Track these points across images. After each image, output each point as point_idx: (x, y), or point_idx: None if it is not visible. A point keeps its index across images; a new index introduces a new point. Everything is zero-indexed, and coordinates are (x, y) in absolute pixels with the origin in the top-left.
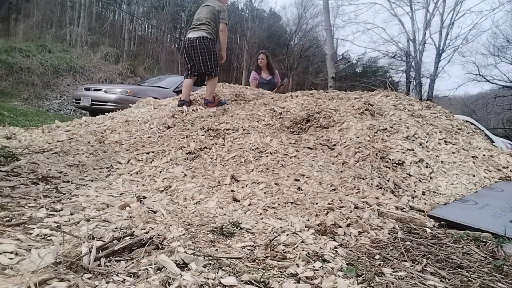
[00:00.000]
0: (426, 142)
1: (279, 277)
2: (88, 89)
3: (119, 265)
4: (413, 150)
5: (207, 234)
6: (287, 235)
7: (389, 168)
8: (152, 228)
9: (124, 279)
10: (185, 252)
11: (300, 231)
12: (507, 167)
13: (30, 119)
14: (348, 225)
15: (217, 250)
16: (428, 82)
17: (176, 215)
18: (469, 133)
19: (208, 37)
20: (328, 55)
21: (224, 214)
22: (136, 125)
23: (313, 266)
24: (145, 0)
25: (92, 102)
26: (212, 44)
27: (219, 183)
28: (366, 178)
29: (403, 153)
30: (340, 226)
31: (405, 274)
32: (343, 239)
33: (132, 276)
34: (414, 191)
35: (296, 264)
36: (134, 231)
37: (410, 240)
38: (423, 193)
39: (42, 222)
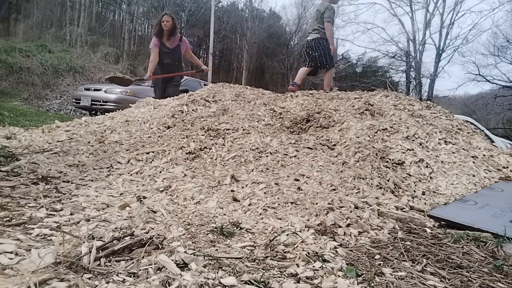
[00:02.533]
0: (426, 142)
1: (279, 277)
2: (88, 89)
3: (119, 265)
4: (413, 150)
5: (207, 234)
6: (287, 235)
7: (389, 168)
8: (152, 228)
9: (124, 279)
10: (185, 252)
11: (300, 231)
12: (507, 167)
13: (30, 119)
14: (348, 225)
15: (217, 250)
16: (428, 82)
17: (176, 215)
18: (469, 133)
19: (321, 36)
20: None
21: (224, 214)
22: (136, 125)
23: (313, 266)
24: (145, 0)
25: (92, 102)
26: (326, 42)
27: (219, 183)
28: (366, 178)
29: (403, 153)
30: (340, 226)
31: (405, 274)
32: (343, 239)
33: (132, 276)
34: (414, 191)
35: (296, 264)
36: (134, 231)
37: (410, 240)
38: (423, 193)
39: (42, 222)
